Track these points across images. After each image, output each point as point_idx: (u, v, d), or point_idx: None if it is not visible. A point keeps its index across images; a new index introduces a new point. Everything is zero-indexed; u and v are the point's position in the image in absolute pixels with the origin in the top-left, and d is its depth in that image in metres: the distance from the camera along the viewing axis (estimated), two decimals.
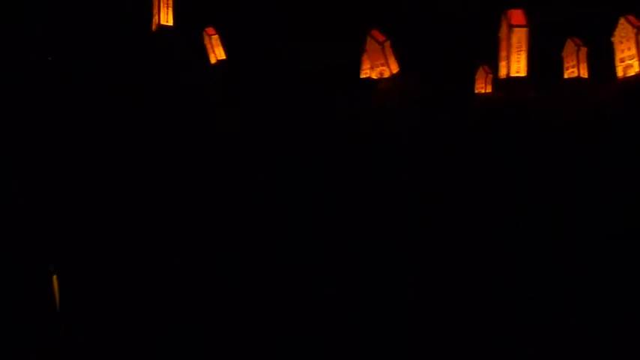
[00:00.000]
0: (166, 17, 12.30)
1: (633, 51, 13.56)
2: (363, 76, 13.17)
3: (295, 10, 14.06)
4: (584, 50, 14.27)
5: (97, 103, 10.40)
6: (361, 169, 11.65)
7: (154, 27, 12.16)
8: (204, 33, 12.66)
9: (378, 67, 13.87)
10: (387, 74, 13.47)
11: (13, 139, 9.37)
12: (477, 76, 13.73)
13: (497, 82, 14.00)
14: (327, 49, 13.69)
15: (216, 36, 12.53)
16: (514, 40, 13.89)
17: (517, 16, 14.17)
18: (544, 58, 14.14)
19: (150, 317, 8.92)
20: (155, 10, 12.12)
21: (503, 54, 14.11)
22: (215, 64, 12.59)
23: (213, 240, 9.91)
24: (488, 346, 10.26)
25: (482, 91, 14.30)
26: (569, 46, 14.38)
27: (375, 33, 14.16)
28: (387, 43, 13.98)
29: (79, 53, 10.68)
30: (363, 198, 11.21)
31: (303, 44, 13.60)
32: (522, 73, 13.86)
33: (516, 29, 13.93)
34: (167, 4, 12.37)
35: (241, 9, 13.41)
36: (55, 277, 8.46)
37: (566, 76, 14.41)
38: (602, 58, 14.39)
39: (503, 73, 14.03)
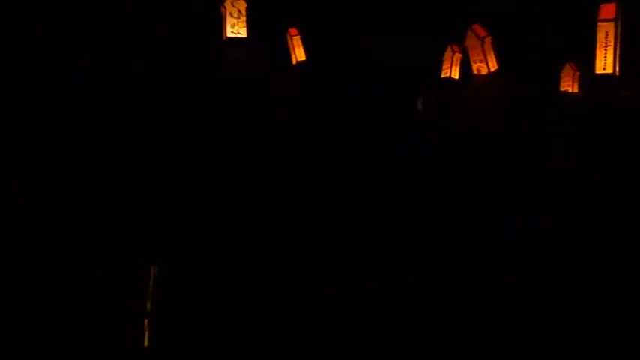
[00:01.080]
0: (238, 28, 12.69)
1: None
2: (443, 75, 13.08)
3: (374, 9, 13.45)
4: None
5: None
6: (451, 167, 11.24)
7: (224, 37, 12.48)
8: (286, 34, 12.90)
9: (477, 63, 13.61)
10: (484, 71, 12.90)
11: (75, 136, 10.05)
12: (562, 74, 13.37)
13: (586, 80, 13.22)
14: (405, 49, 13.25)
15: (297, 37, 12.90)
16: (600, 35, 12.81)
17: (607, 9, 12.96)
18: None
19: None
20: (225, 22, 12.57)
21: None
22: (295, 65, 13.02)
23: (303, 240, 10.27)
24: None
25: (569, 89, 13.50)
26: None
27: (477, 28, 13.58)
28: (488, 39, 13.35)
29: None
30: (453, 197, 10.91)
31: (380, 43, 13.23)
32: (609, 70, 12.85)
33: (601, 24, 12.80)
34: (240, 15, 12.73)
35: (322, 9, 13.29)
36: (153, 267, 9.14)
37: None
38: None
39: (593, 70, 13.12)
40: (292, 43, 13.01)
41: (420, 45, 13.30)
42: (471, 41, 13.58)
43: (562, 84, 13.04)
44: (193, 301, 9.86)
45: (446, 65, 13.18)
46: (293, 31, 12.96)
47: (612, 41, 12.66)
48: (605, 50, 12.71)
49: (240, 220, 10.32)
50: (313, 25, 13.04)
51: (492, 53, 13.43)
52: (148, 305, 9.51)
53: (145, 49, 11.35)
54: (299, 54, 13.00)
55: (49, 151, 10.14)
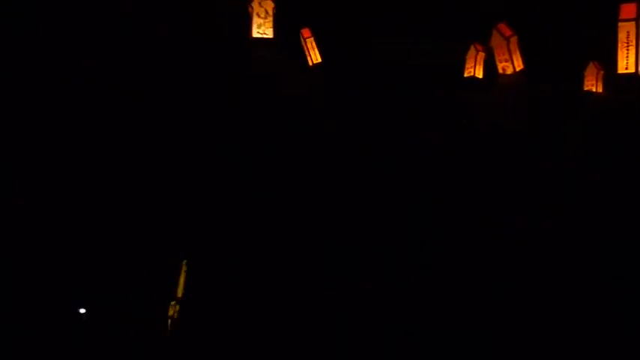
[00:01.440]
0: (264, 29, 12.53)
1: None
2: (466, 74, 12.75)
3: (390, 9, 13.07)
4: None
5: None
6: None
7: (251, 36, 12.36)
8: (300, 35, 12.57)
9: (502, 62, 13.34)
10: (509, 71, 12.59)
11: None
12: (586, 73, 12.34)
13: (609, 79, 12.81)
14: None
15: (311, 39, 12.54)
16: (622, 34, 12.47)
17: (627, 9, 12.58)
18: None
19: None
20: (252, 22, 12.45)
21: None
22: (312, 67, 12.69)
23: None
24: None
25: (593, 89, 12.41)
26: None
27: (502, 27, 13.26)
28: (514, 38, 12.99)
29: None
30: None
31: (398, 42, 12.80)
32: (631, 70, 12.44)
33: (622, 23, 12.44)
34: (267, 15, 12.57)
35: (337, 9, 12.91)
36: (184, 262, 9.21)
37: None
38: None
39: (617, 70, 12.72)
40: (307, 45, 12.80)
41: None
42: (496, 40, 13.34)
43: (586, 83, 12.78)
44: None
45: (469, 64, 12.92)
46: (306, 32, 12.75)
47: (634, 41, 12.39)
48: (627, 50, 12.48)
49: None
50: (325, 27, 12.84)
51: (518, 52, 13.17)
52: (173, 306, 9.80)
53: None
54: (314, 56, 12.80)
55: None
